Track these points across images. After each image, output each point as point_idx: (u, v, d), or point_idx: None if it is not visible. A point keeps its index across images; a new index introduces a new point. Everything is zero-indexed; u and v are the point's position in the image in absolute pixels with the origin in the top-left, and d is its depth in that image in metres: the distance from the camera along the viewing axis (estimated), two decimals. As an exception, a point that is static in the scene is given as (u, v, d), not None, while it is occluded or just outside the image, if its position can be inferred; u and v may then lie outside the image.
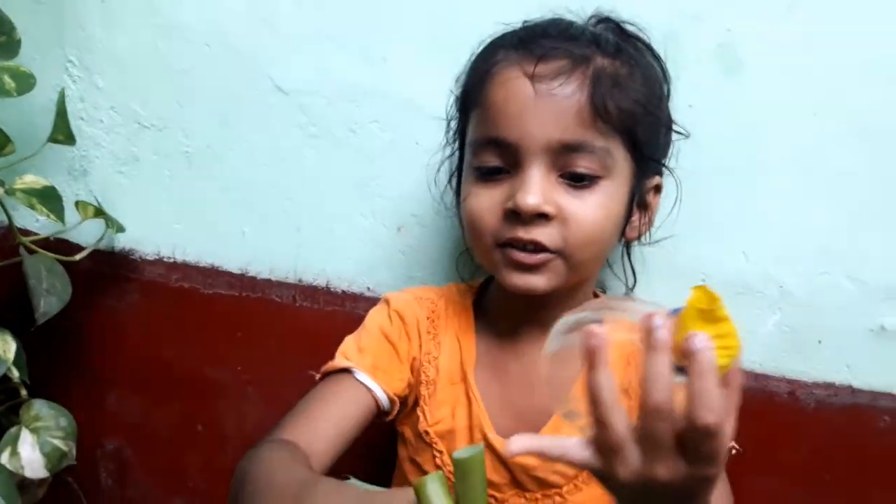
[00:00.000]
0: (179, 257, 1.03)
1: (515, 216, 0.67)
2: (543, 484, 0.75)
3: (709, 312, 0.45)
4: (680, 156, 0.81)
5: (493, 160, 0.69)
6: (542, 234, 0.67)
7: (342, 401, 0.74)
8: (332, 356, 0.92)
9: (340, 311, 0.98)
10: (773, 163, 0.83)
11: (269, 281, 1.00)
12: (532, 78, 0.66)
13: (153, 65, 0.99)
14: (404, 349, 0.78)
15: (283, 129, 0.96)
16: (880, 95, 0.80)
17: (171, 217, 1.03)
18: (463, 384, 0.77)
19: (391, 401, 0.76)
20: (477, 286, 0.84)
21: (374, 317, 0.81)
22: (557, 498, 0.75)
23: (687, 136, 0.78)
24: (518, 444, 0.50)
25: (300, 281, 0.99)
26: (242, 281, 1.01)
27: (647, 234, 0.78)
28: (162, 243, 1.04)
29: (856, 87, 0.80)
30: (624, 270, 0.84)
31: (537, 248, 0.67)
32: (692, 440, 0.46)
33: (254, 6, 0.94)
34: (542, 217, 0.66)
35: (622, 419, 0.47)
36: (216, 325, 1.03)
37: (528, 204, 0.65)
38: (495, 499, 0.75)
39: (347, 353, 0.78)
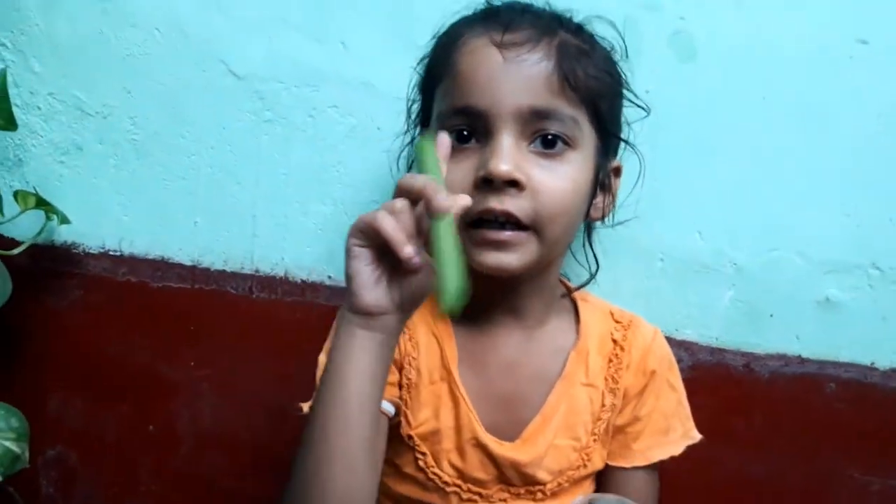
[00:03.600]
0: (126, 250, 0.99)
1: (487, 185, 0.66)
2: (529, 480, 0.74)
3: None
4: (637, 138, 0.83)
5: (462, 128, 0.69)
6: (514, 204, 0.66)
7: None
8: (292, 350, 0.90)
9: (300, 302, 0.96)
10: (725, 145, 0.87)
11: (223, 272, 0.97)
12: (500, 46, 0.67)
13: (97, 50, 0.95)
14: None
15: (237, 115, 0.94)
16: (822, 80, 0.84)
17: (118, 208, 0.98)
18: (444, 383, 0.74)
19: (396, 405, 0.74)
20: None
21: None
22: (540, 494, 0.75)
23: (648, 113, 0.79)
24: None
25: (257, 271, 0.97)
26: (194, 273, 0.98)
27: (610, 215, 0.79)
28: (107, 236, 0.99)
29: (800, 73, 0.85)
30: (586, 256, 0.85)
31: (509, 220, 0.67)
32: None
33: (206, -12, 0.92)
34: (513, 185, 0.66)
35: None
36: (166, 319, 0.99)
37: (500, 170, 0.65)
38: (480, 495, 0.74)
39: None
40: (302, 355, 0.81)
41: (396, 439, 0.76)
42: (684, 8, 0.85)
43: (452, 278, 0.55)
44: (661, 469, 0.86)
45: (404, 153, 0.85)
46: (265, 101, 0.93)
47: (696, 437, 0.79)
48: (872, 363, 0.87)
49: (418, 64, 0.79)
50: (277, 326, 0.96)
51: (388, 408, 0.73)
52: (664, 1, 0.85)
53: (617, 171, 0.78)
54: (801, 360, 0.88)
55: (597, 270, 0.83)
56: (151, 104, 0.96)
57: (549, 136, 0.67)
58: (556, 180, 0.68)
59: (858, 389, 0.87)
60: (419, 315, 0.77)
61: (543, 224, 0.68)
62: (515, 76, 0.66)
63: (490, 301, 0.76)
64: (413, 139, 0.83)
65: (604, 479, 0.80)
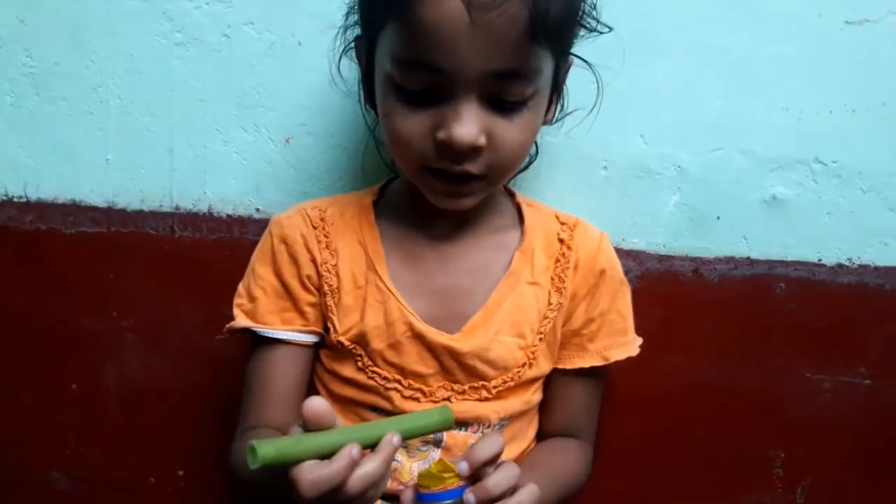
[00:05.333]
0: (33, 195, 0.91)
1: (447, 147, 0.62)
2: (472, 374, 0.72)
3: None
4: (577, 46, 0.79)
5: (420, 83, 0.63)
6: (473, 164, 0.64)
7: (275, 367, 0.74)
8: (222, 290, 0.85)
9: (227, 239, 0.90)
10: (664, 45, 0.83)
11: (140, 212, 0.90)
12: (469, 5, 0.59)
13: (-19, -27, 0.86)
14: (294, 276, 0.74)
15: (145, 39, 0.86)
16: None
17: (19, 150, 0.90)
18: (370, 286, 0.72)
19: (312, 333, 0.75)
20: (378, 187, 0.79)
21: (258, 253, 0.77)
22: (484, 392, 0.73)
23: (610, 30, 0.72)
24: None
25: (177, 209, 0.90)
26: (110, 215, 0.90)
27: (557, 113, 0.75)
28: (10, 181, 0.91)
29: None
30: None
31: (465, 175, 0.65)
32: None
33: None
34: (475, 149, 0.63)
35: None
36: (83, 268, 0.92)
37: (463, 140, 0.61)
38: (423, 392, 0.72)
39: (243, 305, 0.75)
40: (233, 294, 0.77)
41: (332, 348, 0.74)
42: None
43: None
44: (615, 379, 0.84)
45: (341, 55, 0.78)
46: (174, 22, 0.86)
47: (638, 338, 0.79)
48: (819, 259, 0.86)
49: None
50: (204, 266, 0.90)
51: (304, 338, 0.74)
52: None
53: (568, 69, 0.73)
54: (750, 262, 0.86)
55: (536, 154, 0.82)
56: (49, 32, 0.87)
57: (510, 100, 0.63)
58: (515, 135, 0.65)
59: (807, 287, 0.86)
60: (343, 222, 0.75)
61: (497, 173, 0.67)
62: (482, 39, 0.59)
63: (432, 206, 0.72)
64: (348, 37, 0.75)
65: (548, 384, 0.78)
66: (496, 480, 0.58)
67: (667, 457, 0.89)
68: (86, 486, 0.96)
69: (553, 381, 0.78)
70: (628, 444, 0.85)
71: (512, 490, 0.59)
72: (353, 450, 0.51)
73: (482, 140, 0.62)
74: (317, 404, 0.52)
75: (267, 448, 0.49)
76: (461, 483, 0.57)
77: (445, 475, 0.57)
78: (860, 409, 0.87)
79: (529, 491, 0.59)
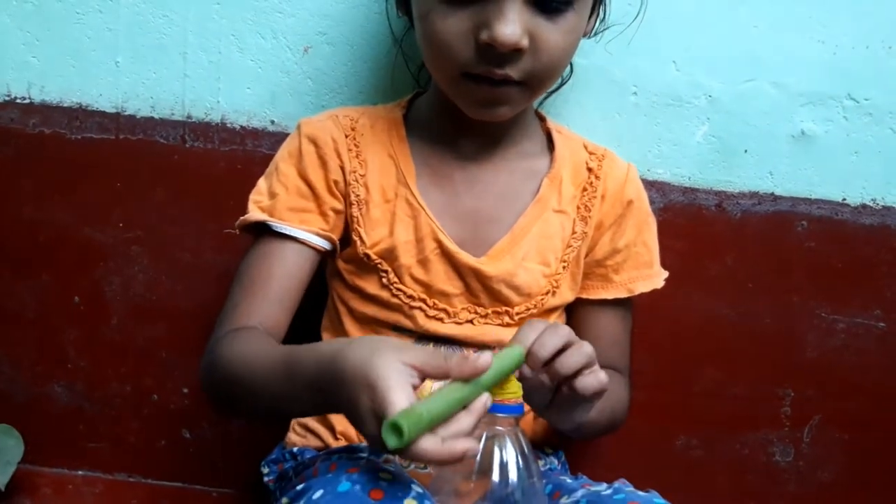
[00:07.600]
0: (37, 97, 0.88)
1: (489, 48, 0.60)
2: (496, 299, 0.71)
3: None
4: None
5: None
6: (514, 68, 0.62)
7: (281, 263, 0.70)
8: (232, 204, 0.82)
9: (240, 151, 0.87)
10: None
11: (151, 119, 0.87)
12: None
13: None
14: (321, 179, 0.71)
15: (161, -66, 0.83)
16: None
17: (23, 49, 0.87)
18: (400, 199, 0.71)
19: (329, 239, 0.71)
20: (406, 101, 0.77)
21: (284, 152, 0.74)
22: (507, 318, 0.72)
23: None
24: None
25: (189, 117, 0.87)
26: (118, 121, 0.87)
27: (597, 24, 0.73)
28: (13, 81, 0.88)
29: None
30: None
31: (505, 81, 0.63)
32: None
33: None
34: (517, 51, 0.60)
35: None
36: (88, 176, 0.89)
37: (507, 40, 0.59)
38: (446, 313, 0.71)
39: (261, 202, 0.71)
40: (243, 210, 0.74)
41: (356, 262, 0.72)
42: None
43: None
44: (633, 310, 0.83)
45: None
46: (192, -83, 0.82)
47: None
48: (844, 199, 0.85)
49: None
50: (215, 179, 0.88)
51: (319, 242, 0.71)
52: None
53: None
54: (774, 198, 0.85)
55: (569, 76, 0.79)
56: (56, -78, 0.83)
57: (555, 0, 0.61)
58: (558, 38, 0.63)
59: (829, 226, 0.85)
60: (373, 135, 0.73)
61: (538, 80, 0.65)
62: None
63: (462, 123, 0.70)
64: None
65: (575, 315, 0.78)
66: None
67: (675, 391, 0.89)
68: (87, 401, 0.94)
69: (580, 314, 0.77)
70: (639, 376, 0.84)
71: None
72: (470, 422, 0.49)
73: (525, 41, 0.60)
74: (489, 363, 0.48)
75: (413, 428, 0.45)
76: (521, 400, 0.56)
77: (507, 391, 0.55)
78: (873, 352, 0.87)
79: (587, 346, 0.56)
